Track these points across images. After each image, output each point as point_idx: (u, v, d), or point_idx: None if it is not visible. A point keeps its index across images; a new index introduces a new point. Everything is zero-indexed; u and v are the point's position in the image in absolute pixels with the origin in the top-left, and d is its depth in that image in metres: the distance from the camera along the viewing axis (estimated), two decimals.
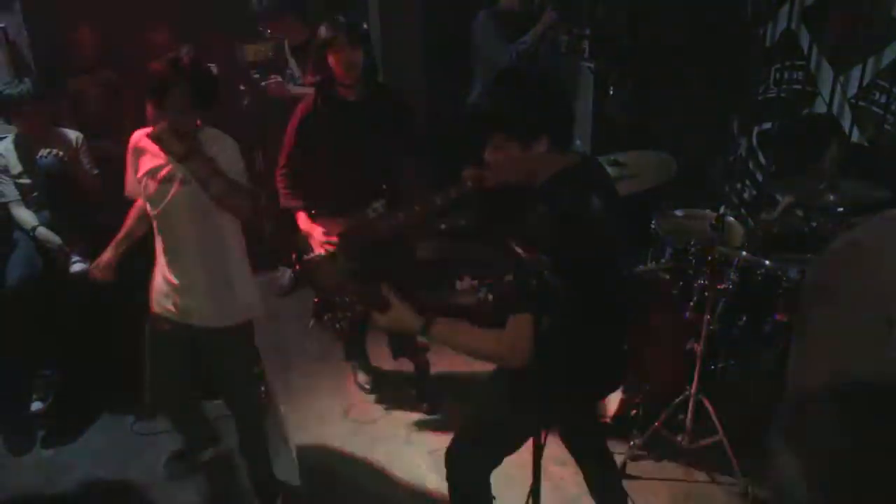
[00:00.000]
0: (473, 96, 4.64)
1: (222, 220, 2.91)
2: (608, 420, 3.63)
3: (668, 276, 3.62)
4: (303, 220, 3.54)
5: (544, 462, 2.14)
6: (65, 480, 3.65)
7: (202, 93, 2.72)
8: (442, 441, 3.72)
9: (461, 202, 3.20)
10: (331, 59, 3.39)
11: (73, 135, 4.16)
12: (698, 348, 3.36)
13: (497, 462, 2.58)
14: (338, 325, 2.44)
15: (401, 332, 2.46)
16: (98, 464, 3.74)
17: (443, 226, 5.29)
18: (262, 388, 4.15)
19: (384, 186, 3.45)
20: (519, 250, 1.85)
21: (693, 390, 3.44)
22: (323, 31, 3.41)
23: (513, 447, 2.52)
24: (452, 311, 2.60)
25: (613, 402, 3.63)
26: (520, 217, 2.10)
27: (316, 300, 2.61)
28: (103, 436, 3.95)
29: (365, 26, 4.77)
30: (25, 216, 4.09)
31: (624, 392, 3.58)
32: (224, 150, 2.85)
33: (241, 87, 4.94)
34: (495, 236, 2.14)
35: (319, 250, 3.48)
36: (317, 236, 3.49)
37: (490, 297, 2.48)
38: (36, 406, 4.11)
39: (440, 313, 2.49)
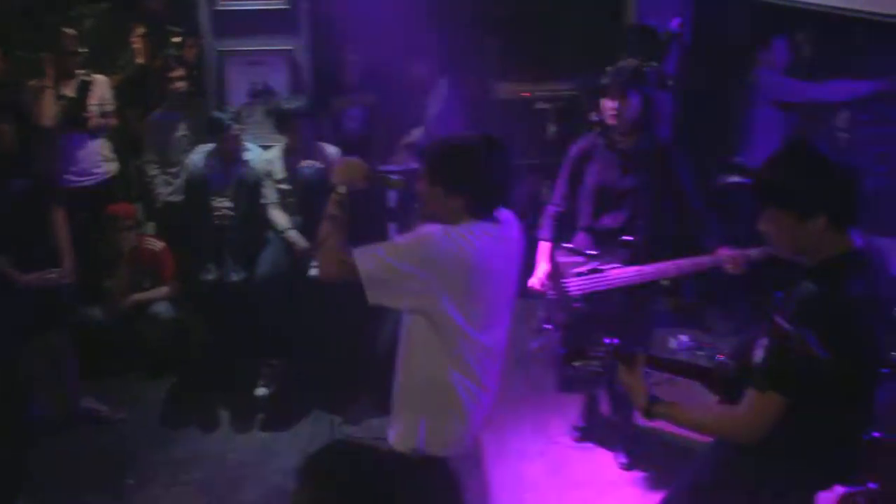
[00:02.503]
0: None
1: None
2: None
3: None
4: (542, 251, 3.64)
5: None
6: (272, 463, 3.94)
7: None
8: (635, 498, 3.63)
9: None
10: (602, 105, 3.46)
11: (333, 150, 4.52)
12: None
13: None
14: (588, 370, 2.46)
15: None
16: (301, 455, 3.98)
17: (665, 282, 5.16)
18: None
19: (636, 237, 3.49)
20: (784, 324, 1.78)
21: None
22: (603, 77, 3.47)
23: None
24: (689, 371, 2.53)
25: (829, 498, 3.31)
26: (786, 293, 2.01)
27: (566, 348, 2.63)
28: (310, 430, 4.22)
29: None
30: (280, 218, 4.50)
31: (845, 486, 3.26)
32: None
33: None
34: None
35: (534, 282, 3.57)
36: (538, 272, 3.59)
37: (730, 364, 2.38)
38: (261, 392, 4.48)
39: (674, 370, 2.48)
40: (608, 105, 3.44)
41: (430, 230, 2.32)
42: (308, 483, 1.29)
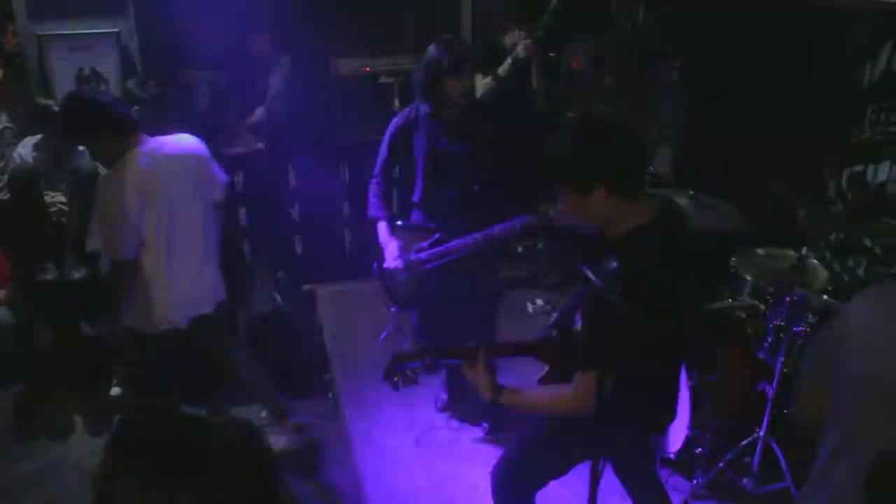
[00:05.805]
0: None
1: None
2: (670, 456, 3.56)
3: (744, 315, 3.54)
4: (382, 231, 3.62)
5: (605, 495, 2.15)
6: None
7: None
8: None
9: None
10: (450, 85, 3.33)
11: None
12: (771, 390, 3.28)
13: (541, 484, 2.58)
14: (402, 383, 2.52)
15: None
16: None
17: (520, 248, 5.32)
18: (330, 395, 4.24)
19: (468, 204, 3.51)
20: (592, 277, 1.88)
21: (762, 433, 3.35)
22: (441, 54, 3.32)
23: (558, 471, 2.52)
24: (521, 349, 2.63)
25: (677, 437, 3.55)
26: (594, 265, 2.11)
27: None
28: None
29: None
30: None
31: (690, 429, 3.51)
32: None
33: None
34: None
35: (391, 264, 3.55)
36: (391, 251, 3.56)
37: (555, 333, 2.50)
38: (116, 391, 4.29)
39: (510, 352, 2.58)
40: (455, 83, 3.33)
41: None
42: (110, 460, 1.26)
